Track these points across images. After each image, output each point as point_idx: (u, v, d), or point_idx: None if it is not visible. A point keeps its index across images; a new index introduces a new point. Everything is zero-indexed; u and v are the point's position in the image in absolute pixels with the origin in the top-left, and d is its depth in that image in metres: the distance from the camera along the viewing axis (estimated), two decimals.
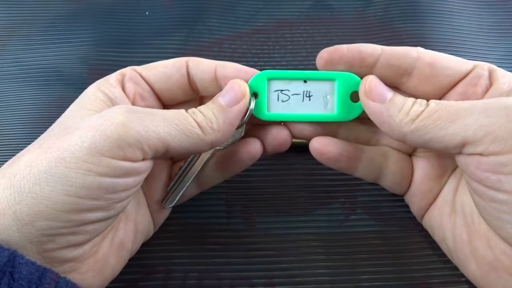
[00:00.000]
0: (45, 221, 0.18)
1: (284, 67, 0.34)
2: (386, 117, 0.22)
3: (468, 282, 0.25)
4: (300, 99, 0.25)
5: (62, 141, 0.19)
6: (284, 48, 0.35)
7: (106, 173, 0.19)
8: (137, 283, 0.25)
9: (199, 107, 0.23)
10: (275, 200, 0.28)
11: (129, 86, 0.24)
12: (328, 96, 0.25)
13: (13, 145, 0.30)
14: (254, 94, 0.24)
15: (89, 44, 0.34)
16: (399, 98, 0.22)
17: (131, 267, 0.26)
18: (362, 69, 0.24)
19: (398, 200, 0.28)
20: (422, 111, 0.21)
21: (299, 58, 0.34)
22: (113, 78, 0.24)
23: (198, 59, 0.25)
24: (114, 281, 0.25)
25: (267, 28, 0.36)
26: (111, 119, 0.20)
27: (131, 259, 0.25)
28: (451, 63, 0.24)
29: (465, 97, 0.23)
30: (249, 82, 0.24)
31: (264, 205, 0.28)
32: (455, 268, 0.25)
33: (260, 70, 0.33)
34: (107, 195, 0.20)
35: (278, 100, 0.25)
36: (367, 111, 0.23)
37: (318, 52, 0.34)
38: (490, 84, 0.23)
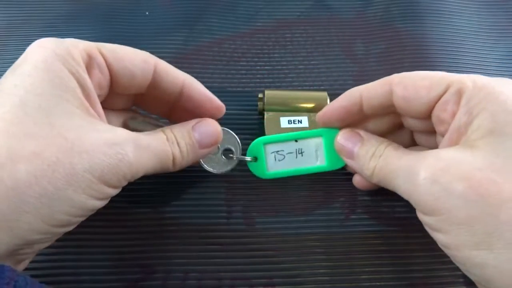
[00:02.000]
0: (36, 235, 0.19)
1: (284, 67, 0.34)
2: (358, 171, 0.26)
3: (467, 282, 0.25)
4: (294, 156, 0.28)
5: (69, 160, 0.19)
6: (284, 48, 0.35)
7: (101, 197, 0.20)
8: (137, 283, 0.25)
9: (175, 134, 0.24)
10: (275, 200, 0.28)
11: (95, 75, 0.22)
12: (317, 151, 0.28)
13: None
14: (254, 158, 0.28)
15: None
16: (362, 152, 0.25)
17: (131, 267, 0.26)
18: (355, 117, 0.26)
19: (398, 200, 0.28)
20: (375, 166, 0.24)
21: (299, 58, 0.34)
22: (78, 57, 0.21)
23: (167, 67, 0.24)
24: (114, 281, 0.25)
25: (267, 28, 0.36)
26: (123, 155, 0.20)
27: (131, 259, 0.25)
28: (421, 92, 0.23)
29: (439, 120, 0.23)
30: (248, 149, 0.28)
31: (264, 205, 0.28)
32: (455, 268, 0.25)
33: (260, 70, 0.34)
34: (89, 213, 0.21)
35: (275, 160, 0.28)
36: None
37: (318, 52, 0.34)
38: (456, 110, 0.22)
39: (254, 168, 0.28)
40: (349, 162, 0.26)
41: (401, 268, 0.26)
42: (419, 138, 0.27)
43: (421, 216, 0.22)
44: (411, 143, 0.28)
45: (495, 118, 0.20)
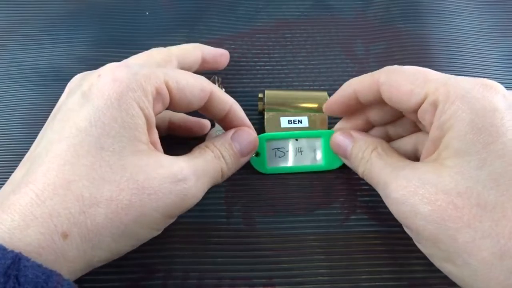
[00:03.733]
0: (101, 264, 0.21)
1: (284, 67, 0.34)
2: (353, 168, 0.27)
3: None
4: (293, 154, 0.29)
5: (140, 202, 0.20)
6: (284, 48, 0.35)
7: (162, 228, 0.23)
8: (137, 283, 0.25)
9: (219, 148, 0.25)
10: (275, 200, 0.28)
11: (157, 107, 0.23)
12: (316, 150, 0.29)
13: (12, 145, 0.30)
14: (256, 153, 0.29)
15: (88, 44, 0.34)
16: (353, 152, 0.26)
17: (131, 267, 0.26)
18: (357, 106, 0.27)
19: None
20: (363, 171, 0.26)
21: (299, 58, 0.34)
22: (149, 94, 0.21)
23: (219, 94, 0.25)
24: (114, 281, 0.25)
25: (267, 28, 0.35)
26: (187, 190, 0.22)
27: (131, 259, 0.25)
28: (402, 97, 0.23)
29: (423, 123, 0.24)
30: None
31: (264, 205, 0.28)
32: None
33: (260, 70, 0.34)
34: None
35: (275, 156, 0.29)
36: None
37: (318, 52, 0.34)
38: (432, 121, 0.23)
39: (255, 163, 0.29)
40: (345, 161, 0.28)
41: (401, 268, 0.26)
42: (419, 124, 0.27)
43: None
44: (414, 130, 0.27)
45: (462, 138, 0.21)
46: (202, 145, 0.25)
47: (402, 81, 0.23)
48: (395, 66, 0.24)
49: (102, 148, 0.20)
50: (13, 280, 0.16)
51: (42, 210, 0.18)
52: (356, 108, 0.27)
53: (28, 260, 0.17)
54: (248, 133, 0.27)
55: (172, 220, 0.23)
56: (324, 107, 0.28)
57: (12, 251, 0.17)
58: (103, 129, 0.20)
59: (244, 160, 0.27)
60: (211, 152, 0.25)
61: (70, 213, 0.18)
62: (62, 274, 0.18)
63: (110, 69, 0.21)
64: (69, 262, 0.19)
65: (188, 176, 0.22)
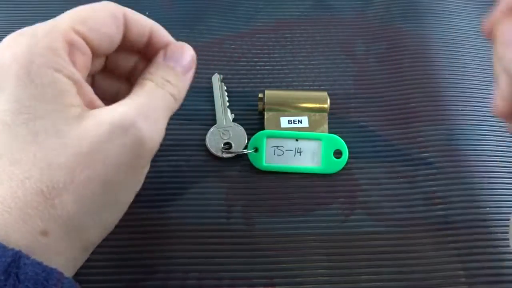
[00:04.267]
0: (99, 240, 0.21)
1: (284, 67, 0.34)
2: None
3: (467, 282, 0.25)
4: (292, 154, 0.29)
5: (95, 172, 0.18)
6: (284, 48, 0.35)
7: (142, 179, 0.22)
8: (137, 283, 0.25)
9: (160, 75, 0.22)
10: (275, 200, 0.28)
11: (79, 60, 0.20)
12: (315, 153, 0.29)
13: None
14: (255, 149, 0.29)
15: None
16: None
17: (131, 267, 0.26)
18: None
19: (398, 200, 0.28)
20: None
21: (299, 58, 0.34)
22: (61, 50, 0.19)
23: (133, 14, 0.22)
24: (114, 281, 0.25)
25: (267, 28, 0.36)
26: (141, 135, 0.19)
27: (131, 259, 0.25)
28: None
29: None
30: (251, 139, 0.29)
31: (264, 205, 0.28)
32: (455, 268, 0.25)
33: (260, 70, 0.34)
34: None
35: (274, 154, 0.29)
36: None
37: (318, 52, 0.34)
38: None
39: (253, 159, 0.29)
40: None
41: (401, 268, 0.26)
42: None
43: None
44: None
45: None
46: (139, 79, 0.22)
47: None
48: None
49: (37, 133, 0.18)
50: (13, 278, 0.16)
51: (13, 216, 0.17)
52: None
53: (28, 258, 0.17)
54: (177, 47, 0.23)
55: (146, 169, 0.22)
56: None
57: (12, 249, 0.16)
58: (28, 113, 0.18)
59: (190, 75, 0.23)
60: (151, 82, 0.21)
61: (39, 211, 0.17)
62: (63, 272, 0.17)
63: (6, 45, 0.19)
64: (61, 254, 0.18)
65: (134, 119, 0.19)
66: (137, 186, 0.22)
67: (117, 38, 0.21)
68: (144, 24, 0.22)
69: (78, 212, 0.18)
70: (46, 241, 0.17)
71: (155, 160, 0.29)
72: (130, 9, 0.22)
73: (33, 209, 0.17)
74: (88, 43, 0.20)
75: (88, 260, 0.25)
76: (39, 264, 0.17)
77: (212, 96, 0.32)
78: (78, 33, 0.19)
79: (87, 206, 0.18)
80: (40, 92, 0.18)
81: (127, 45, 0.22)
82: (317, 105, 0.30)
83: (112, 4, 0.21)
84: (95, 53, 0.21)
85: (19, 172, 0.17)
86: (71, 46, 0.19)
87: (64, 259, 0.19)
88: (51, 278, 0.17)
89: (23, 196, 0.17)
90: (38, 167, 0.17)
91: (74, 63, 0.19)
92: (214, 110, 0.31)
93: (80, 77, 0.19)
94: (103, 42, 0.20)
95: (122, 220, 0.27)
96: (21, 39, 0.19)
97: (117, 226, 0.27)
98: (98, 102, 0.20)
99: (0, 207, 0.17)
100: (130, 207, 0.28)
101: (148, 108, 0.20)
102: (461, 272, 0.25)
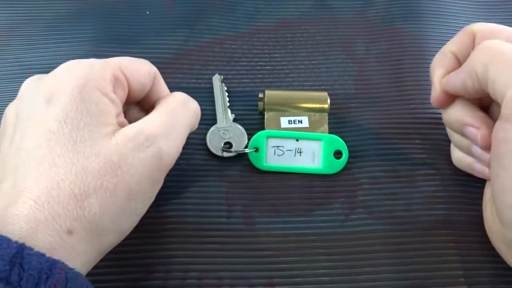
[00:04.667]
0: (112, 246, 0.23)
1: (284, 67, 0.34)
2: None
3: (467, 282, 0.25)
4: (292, 154, 0.29)
5: (121, 181, 0.21)
6: (284, 48, 0.35)
7: (154, 192, 0.24)
8: (137, 283, 0.25)
9: (182, 94, 0.26)
10: (275, 200, 0.28)
11: (119, 93, 0.24)
12: (315, 153, 0.29)
13: None
14: (255, 149, 0.29)
15: (90, 43, 0.34)
16: None
17: (131, 267, 0.26)
18: None
19: (398, 199, 0.28)
20: None
21: (299, 58, 0.34)
22: (108, 80, 0.23)
23: (160, 78, 0.26)
24: (114, 280, 0.25)
25: (267, 28, 0.36)
26: (160, 151, 0.22)
27: (131, 259, 0.25)
28: None
29: None
30: (251, 139, 0.29)
31: (265, 205, 0.28)
32: (455, 268, 0.25)
33: (261, 70, 0.34)
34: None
35: (274, 154, 0.29)
36: None
37: (318, 52, 0.34)
38: None
39: (253, 158, 0.29)
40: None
41: (401, 268, 0.26)
42: None
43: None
44: None
45: None
46: (163, 100, 0.25)
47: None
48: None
49: (75, 142, 0.20)
50: (18, 267, 0.17)
51: (44, 214, 0.19)
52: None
53: (31, 249, 0.18)
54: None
55: (160, 184, 0.24)
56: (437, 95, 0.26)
57: (16, 242, 0.17)
58: (72, 125, 0.21)
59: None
60: (174, 98, 0.25)
61: (69, 210, 0.19)
62: (66, 263, 0.18)
63: (65, 67, 0.23)
64: (80, 255, 0.20)
65: (154, 135, 0.22)
66: (153, 198, 0.24)
67: (147, 87, 0.25)
68: (164, 90, 0.26)
69: (102, 215, 0.20)
70: (70, 240, 0.19)
71: None
72: (159, 72, 0.26)
73: (64, 208, 0.19)
74: (128, 82, 0.24)
75: None
76: (42, 255, 0.18)
77: (213, 96, 0.32)
78: (122, 73, 0.23)
79: (111, 210, 0.20)
80: (86, 108, 0.21)
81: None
82: (318, 105, 0.30)
83: (149, 63, 0.26)
84: (130, 95, 0.24)
85: (56, 175, 0.20)
86: (116, 81, 0.23)
87: (80, 261, 0.20)
88: (54, 267, 0.18)
89: (57, 196, 0.19)
90: (73, 171, 0.20)
91: (116, 93, 0.23)
92: (214, 110, 0.31)
93: (120, 103, 0.23)
94: (137, 86, 0.24)
95: None
96: (80, 66, 0.22)
97: None
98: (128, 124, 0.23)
99: (34, 206, 0.19)
100: None
101: (170, 126, 0.23)
102: (460, 272, 0.25)
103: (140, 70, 0.24)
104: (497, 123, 0.22)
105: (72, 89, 0.21)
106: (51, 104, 0.21)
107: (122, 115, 0.23)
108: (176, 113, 0.24)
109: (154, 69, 0.25)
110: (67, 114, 0.21)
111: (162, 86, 0.26)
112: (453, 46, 0.26)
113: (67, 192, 0.19)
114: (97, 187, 0.20)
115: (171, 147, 0.23)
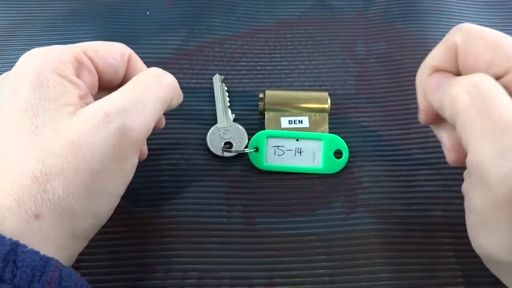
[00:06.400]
0: (90, 232, 0.22)
1: (285, 67, 0.34)
2: None
3: (467, 282, 0.25)
4: (292, 154, 0.29)
5: (84, 162, 0.20)
6: (285, 48, 0.35)
7: (131, 170, 0.23)
8: (136, 283, 0.25)
9: (156, 69, 0.24)
10: (275, 200, 0.28)
11: (85, 76, 0.23)
12: (315, 153, 0.29)
13: None
14: (255, 149, 0.29)
15: None
16: None
17: (130, 267, 0.26)
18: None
19: (398, 198, 0.28)
20: None
21: (300, 58, 0.34)
22: (68, 62, 0.22)
23: (136, 59, 0.25)
24: (113, 280, 0.25)
25: (268, 28, 0.36)
26: (125, 126, 0.21)
27: (131, 259, 0.25)
28: (480, 66, 0.22)
29: None
30: (251, 139, 0.29)
31: (265, 205, 0.28)
32: (455, 268, 0.25)
33: (261, 70, 0.34)
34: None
35: (274, 154, 0.29)
36: None
37: (319, 52, 0.34)
38: None
39: (253, 158, 0.29)
40: None
41: (401, 268, 0.26)
42: None
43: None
44: None
45: None
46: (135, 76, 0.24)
47: (483, 47, 0.21)
48: (471, 26, 0.22)
49: (36, 127, 0.20)
50: (11, 265, 0.17)
51: (9, 200, 0.19)
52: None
53: (25, 247, 0.18)
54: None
55: (133, 160, 0.23)
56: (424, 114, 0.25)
57: (10, 239, 0.17)
58: (33, 111, 0.20)
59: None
60: (145, 73, 0.24)
61: (32, 195, 0.19)
62: (60, 261, 0.18)
63: (25, 56, 0.22)
64: (53, 240, 0.20)
65: (115, 110, 0.21)
66: (126, 177, 0.22)
67: (121, 71, 0.24)
68: (141, 64, 0.26)
69: (68, 198, 0.20)
70: (38, 224, 0.19)
71: (155, 159, 0.29)
72: (134, 53, 0.25)
73: (27, 193, 0.19)
74: (94, 65, 0.23)
75: (87, 259, 0.26)
76: (36, 252, 0.18)
77: (213, 96, 0.32)
78: (87, 55, 0.23)
79: (76, 192, 0.20)
80: (44, 93, 0.21)
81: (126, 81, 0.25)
82: (318, 105, 0.30)
83: (123, 45, 0.25)
84: (102, 78, 0.24)
85: (19, 161, 0.20)
86: (79, 63, 0.23)
87: (55, 246, 0.20)
88: (48, 265, 0.18)
89: (20, 181, 0.19)
90: (34, 156, 0.20)
91: (79, 76, 0.22)
92: (215, 110, 0.31)
93: (84, 86, 0.22)
94: (108, 69, 0.24)
95: (122, 219, 0.27)
96: (38, 52, 0.22)
97: (116, 226, 0.27)
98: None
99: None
100: (130, 206, 0.28)
101: (135, 99, 0.22)
102: (460, 273, 0.25)
103: (110, 52, 0.24)
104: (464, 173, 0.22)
105: (31, 76, 0.21)
106: (14, 95, 0.21)
107: (91, 98, 0.23)
108: (144, 87, 0.23)
109: (128, 51, 0.25)
110: (27, 101, 0.20)
111: (139, 67, 0.25)
112: (434, 61, 0.24)
113: (29, 176, 0.19)
114: (59, 169, 0.20)
115: (136, 121, 0.21)
